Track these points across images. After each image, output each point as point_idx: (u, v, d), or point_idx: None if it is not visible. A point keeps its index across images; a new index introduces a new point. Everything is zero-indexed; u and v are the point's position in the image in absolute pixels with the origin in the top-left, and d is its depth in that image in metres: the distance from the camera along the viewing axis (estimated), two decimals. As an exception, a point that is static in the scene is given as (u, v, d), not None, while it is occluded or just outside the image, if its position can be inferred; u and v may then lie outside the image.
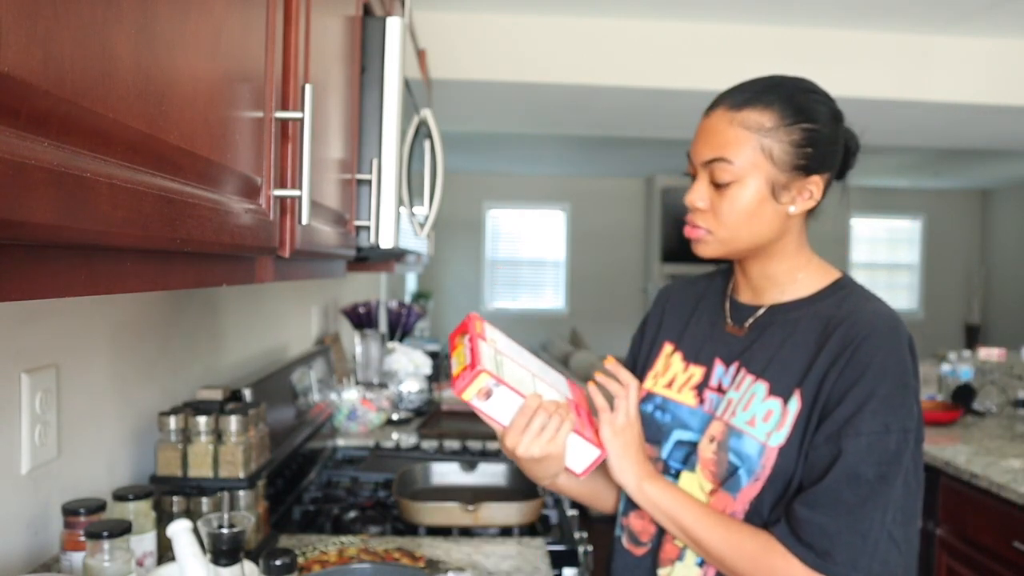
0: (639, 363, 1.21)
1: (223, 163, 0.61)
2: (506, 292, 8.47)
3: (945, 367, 3.21)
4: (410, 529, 1.59)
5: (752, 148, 0.96)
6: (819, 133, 0.97)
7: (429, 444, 2.26)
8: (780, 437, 0.96)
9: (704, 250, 1.03)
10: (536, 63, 3.35)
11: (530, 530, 1.60)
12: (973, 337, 8.27)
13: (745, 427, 0.99)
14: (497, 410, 0.98)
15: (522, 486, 1.76)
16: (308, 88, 0.71)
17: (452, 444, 2.26)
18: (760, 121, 0.96)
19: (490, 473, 1.86)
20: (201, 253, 0.62)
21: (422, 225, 1.43)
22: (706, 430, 1.04)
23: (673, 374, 1.12)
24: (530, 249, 8.48)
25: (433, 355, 3.39)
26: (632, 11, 3.25)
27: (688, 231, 1.03)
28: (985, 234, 8.62)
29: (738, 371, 1.04)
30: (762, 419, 0.98)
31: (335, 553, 1.39)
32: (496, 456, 2.09)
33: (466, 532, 1.57)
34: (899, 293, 8.69)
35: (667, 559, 1.06)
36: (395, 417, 2.50)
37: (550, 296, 8.50)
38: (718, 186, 0.98)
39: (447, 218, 7.48)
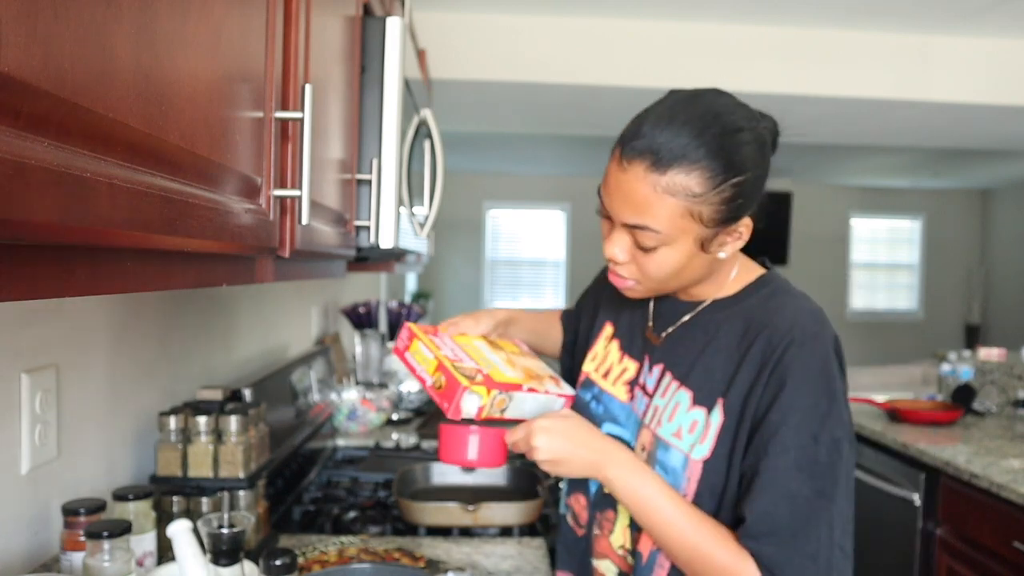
0: (580, 337, 1.22)
1: (223, 163, 0.62)
2: (506, 292, 8.47)
3: (945, 367, 3.21)
4: (410, 529, 1.59)
5: (680, 215, 0.87)
6: (749, 181, 0.89)
7: (429, 444, 2.26)
8: (704, 450, 0.93)
9: (633, 295, 1.00)
10: (536, 63, 3.35)
11: (530, 530, 1.60)
12: (973, 337, 8.28)
13: (671, 439, 0.96)
14: (516, 412, 1.03)
15: (522, 486, 1.76)
16: (308, 88, 0.71)
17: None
18: (687, 185, 0.86)
19: (490, 473, 1.86)
20: (201, 253, 0.62)
21: (422, 225, 1.43)
22: (638, 437, 1.02)
23: (610, 364, 1.11)
24: (530, 249, 8.48)
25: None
26: (632, 11, 3.25)
27: (613, 279, 0.99)
28: (985, 234, 8.62)
29: (663, 375, 1.02)
30: (688, 431, 0.95)
31: (335, 553, 1.39)
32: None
33: (466, 532, 1.57)
34: (899, 293, 8.69)
35: (600, 553, 1.07)
36: (395, 417, 2.50)
37: (550, 296, 8.50)
38: (641, 246, 0.92)
39: (447, 218, 7.48)
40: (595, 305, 1.20)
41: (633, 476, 0.94)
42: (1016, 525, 2.10)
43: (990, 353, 3.21)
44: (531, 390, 1.04)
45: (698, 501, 0.93)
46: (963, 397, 3.02)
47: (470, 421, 1.02)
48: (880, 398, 3.12)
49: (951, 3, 3.03)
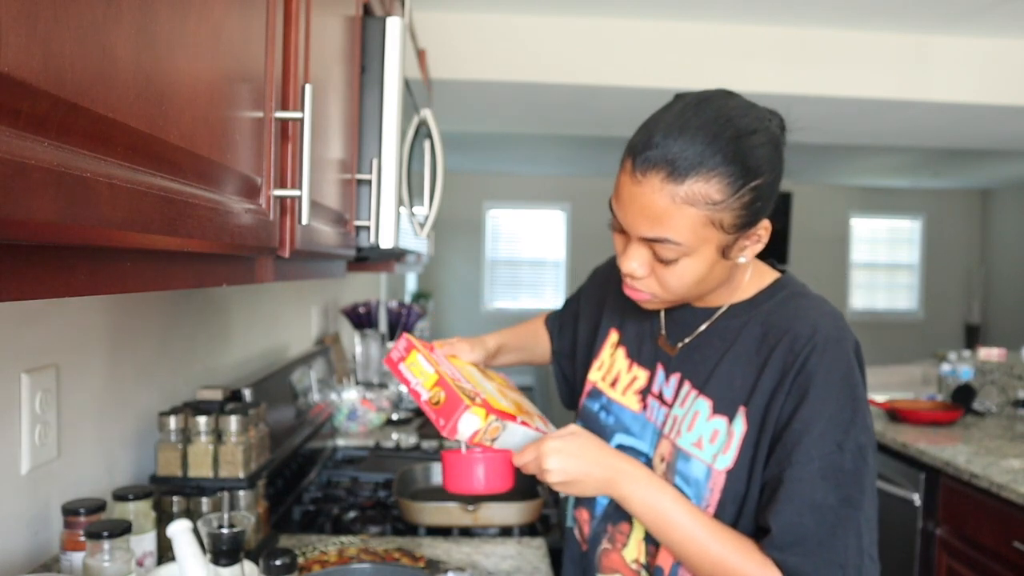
0: (580, 343, 1.19)
1: (223, 163, 0.61)
2: (506, 292, 8.47)
3: (945, 367, 3.21)
4: (410, 529, 1.59)
5: (701, 225, 0.85)
6: (766, 183, 0.87)
7: (429, 444, 2.26)
8: (727, 460, 0.92)
9: (651, 307, 0.98)
10: (536, 63, 3.35)
11: (530, 530, 1.60)
12: (973, 337, 8.28)
13: (692, 449, 0.94)
14: (502, 443, 1.01)
15: (522, 486, 1.76)
16: (308, 88, 0.71)
17: (452, 444, 2.26)
18: (707, 193, 0.83)
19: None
20: (201, 253, 0.62)
21: (422, 225, 1.43)
22: (656, 448, 0.99)
23: (617, 372, 1.08)
24: (530, 249, 8.48)
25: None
26: (632, 11, 3.25)
27: (630, 293, 0.96)
28: (985, 234, 8.62)
29: (681, 384, 0.99)
30: (709, 440, 0.93)
31: (335, 553, 1.39)
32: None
33: (466, 532, 1.57)
34: (899, 293, 8.69)
35: (609, 567, 1.04)
36: (395, 417, 2.50)
37: (550, 296, 8.50)
38: (661, 259, 0.89)
39: (447, 218, 7.48)
40: (597, 310, 1.17)
41: (649, 491, 0.92)
42: (1016, 525, 2.10)
43: (990, 353, 3.21)
44: (524, 423, 1.02)
45: (721, 511, 0.91)
46: (963, 397, 3.02)
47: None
48: (880, 398, 3.12)
49: (951, 3, 3.03)
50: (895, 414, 2.91)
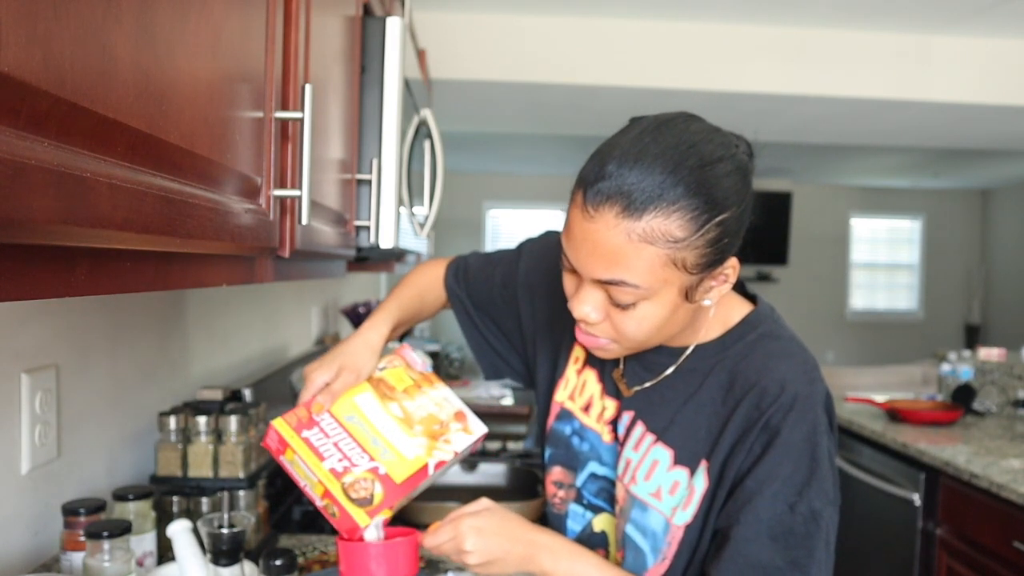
0: (525, 329, 1.09)
1: (223, 163, 0.61)
2: (506, 292, 8.47)
3: (945, 367, 3.21)
4: (410, 529, 1.59)
5: (661, 265, 0.76)
6: (733, 217, 0.78)
7: (429, 444, 2.26)
8: (687, 516, 0.87)
9: (608, 356, 0.88)
10: (536, 63, 3.35)
11: (530, 530, 1.60)
12: (973, 337, 8.28)
13: (650, 499, 0.89)
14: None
15: (522, 486, 1.76)
16: (308, 88, 0.71)
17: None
18: (667, 230, 0.74)
19: (490, 473, 1.86)
20: (201, 253, 0.62)
21: (422, 225, 1.43)
22: (615, 488, 0.95)
23: (589, 397, 1.00)
24: (530, 249, 8.48)
25: (433, 355, 3.39)
26: (632, 11, 3.25)
27: (584, 339, 0.86)
28: (985, 234, 8.63)
29: (633, 424, 0.93)
30: (668, 491, 0.88)
31: (335, 553, 1.39)
32: (496, 456, 2.09)
33: (466, 532, 1.57)
34: (899, 293, 8.69)
35: None
36: (395, 417, 2.50)
37: (550, 296, 8.50)
38: (618, 303, 0.80)
39: (447, 218, 7.48)
40: (549, 307, 1.06)
41: (573, 563, 0.87)
42: (1016, 525, 2.10)
43: (990, 353, 3.21)
44: (439, 464, 0.95)
45: (678, 561, 0.88)
46: (963, 397, 3.02)
47: None
48: (880, 398, 3.12)
49: (951, 3, 3.03)
50: (895, 414, 2.91)
